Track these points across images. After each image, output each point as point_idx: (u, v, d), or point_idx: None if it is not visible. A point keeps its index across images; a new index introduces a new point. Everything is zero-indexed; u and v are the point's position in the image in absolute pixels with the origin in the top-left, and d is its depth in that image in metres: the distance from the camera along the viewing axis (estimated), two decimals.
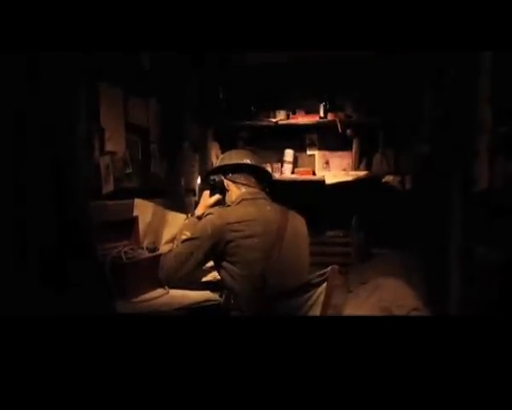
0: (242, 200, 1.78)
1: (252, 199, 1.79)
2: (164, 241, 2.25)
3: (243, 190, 1.84)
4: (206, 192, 1.95)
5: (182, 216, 2.38)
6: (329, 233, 3.25)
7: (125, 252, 1.69)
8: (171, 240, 2.22)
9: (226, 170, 1.88)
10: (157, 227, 2.21)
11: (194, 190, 2.86)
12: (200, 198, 2.64)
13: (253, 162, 1.89)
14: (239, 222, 1.66)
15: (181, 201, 2.61)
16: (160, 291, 1.70)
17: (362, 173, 3.09)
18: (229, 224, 1.65)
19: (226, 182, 1.88)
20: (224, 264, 1.68)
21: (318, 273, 1.67)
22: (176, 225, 2.32)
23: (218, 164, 1.94)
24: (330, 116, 3.14)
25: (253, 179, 1.86)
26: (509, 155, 1.81)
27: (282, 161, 3.32)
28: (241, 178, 1.86)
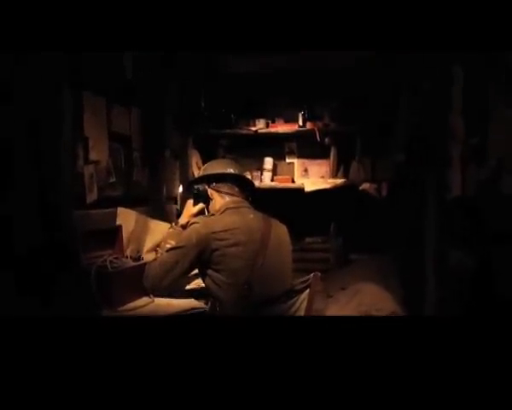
0: (226, 209, 1.81)
1: (235, 208, 1.82)
2: (146, 249, 2.25)
3: (227, 199, 1.87)
4: (190, 201, 1.96)
5: (164, 224, 2.39)
6: (308, 240, 3.30)
7: (110, 261, 1.69)
8: (153, 248, 2.23)
9: (210, 179, 1.91)
10: (140, 235, 2.21)
11: (175, 198, 2.87)
12: (182, 206, 2.67)
13: (237, 172, 1.92)
14: (224, 231, 1.68)
15: (162, 208, 2.62)
16: (145, 300, 1.71)
17: (340, 181, 3.17)
18: (214, 233, 1.68)
19: (210, 191, 1.90)
20: (209, 272, 1.70)
21: (301, 280, 1.72)
22: (158, 233, 2.33)
23: (201, 173, 1.96)
24: (309, 125, 3.21)
25: (237, 188, 1.89)
26: (481, 164, 1.91)
27: (261, 169, 3.36)
28: (224, 187, 1.88)
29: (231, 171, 1.91)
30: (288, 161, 3.45)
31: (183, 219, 1.94)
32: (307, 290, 1.72)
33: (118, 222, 2.07)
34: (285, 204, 3.02)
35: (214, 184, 1.90)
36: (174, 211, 2.76)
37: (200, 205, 1.93)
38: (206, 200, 1.92)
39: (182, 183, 2.92)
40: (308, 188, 3.14)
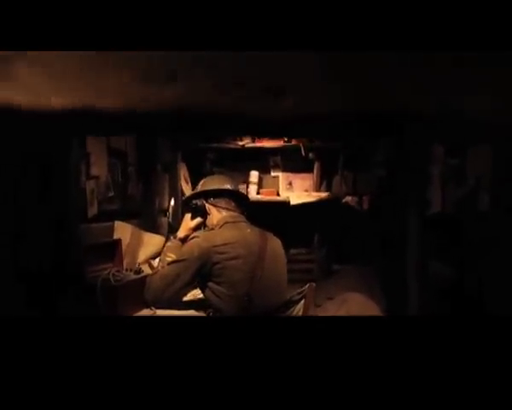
0: (225, 223, 1.89)
1: (233, 222, 1.90)
2: (139, 261, 2.30)
3: (224, 213, 1.95)
4: (188, 215, 2.03)
5: (157, 237, 2.45)
6: (293, 251, 3.40)
7: (113, 274, 1.74)
8: (147, 260, 2.29)
9: (207, 194, 1.99)
10: (135, 248, 2.26)
11: (165, 211, 2.92)
12: (174, 219, 2.73)
13: (233, 188, 2.01)
14: (224, 245, 1.76)
15: (155, 221, 2.67)
16: (146, 312, 1.77)
17: (324, 194, 3.30)
18: (215, 246, 1.75)
19: (207, 206, 1.98)
20: (210, 284, 1.77)
21: (298, 291, 1.82)
22: (151, 245, 2.39)
23: (199, 189, 2.03)
24: (294, 140, 3.33)
25: (233, 203, 1.97)
26: (459, 184, 2.07)
27: (247, 182, 3.46)
28: (222, 202, 1.96)
29: (228, 187, 1.99)
30: (272, 174, 3.56)
31: (181, 233, 2.01)
32: (302, 301, 1.82)
33: (115, 236, 2.12)
34: (270, 216, 3.12)
35: (212, 199, 1.98)
36: (165, 224, 2.81)
37: (198, 219, 2.00)
38: (204, 214, 1.99)
39: (171, 196, 2.98)
40: (294, 201, 3.25)
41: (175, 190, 3.03)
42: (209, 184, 2.02)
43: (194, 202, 2.01)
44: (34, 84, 1.13)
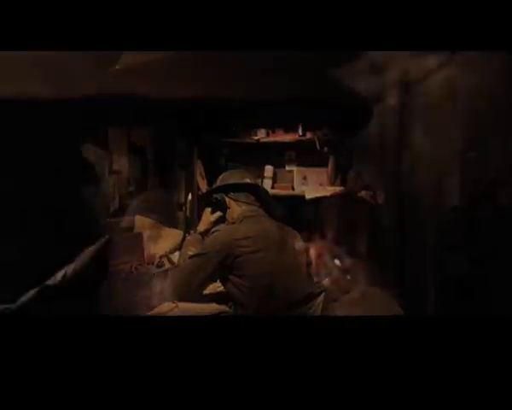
0: (245, 217, 1.90)
1: (253, 216, 1.92)
2: (158, 256, 2.33)
3: (243, 207, 1.97)
4: (208, 209, 2.05)
5: (175, 231, 2.48)
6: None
7: (136, 268, 1.77)
8: (165, 255, 2.31)
9: (227, 189, 2.01)
10: (154, 242, 2.29)
11: (180, 206, 2.94)
12: (191, 213, 2.75)
13: (252, 182, 2.03)
14: (245, 238, 1.78)
15: (173, 216, 2.69)
16: (169, 304, 1.78)
17: (338, 188, 3.29)
18: (236, 240, 1.77)
19: (227, 200, 2.00)
20: (231, 277, 1.79)
21: (318, 285, 1.83)
22: (170, 240, 2.41)
23: (219, 184, 2.05)
24: (308, 134, 3.33)
25: (253, 197, 2.00)
26: (478, 177, 2.06)
27: (262, 177, 3.46)
28: (242, 196, 1.98)
29: (248, 181, 2.01)
30: (287, 168, 3.56)
31: (201, 227, 2.03)
32: (323, 294, 1.83)
33: (135, 230, 2.15)
34: (285, 210, 3.12)
35: (232, 193, 2.00)
36: (183, 218, 2.83)
37: (218, 213, 2.02)
38: (224, 208, 2.01)
39: (188, 191, 3.00)
40: (309, 195, 3.25)
41: (191, 186, 3.05)
42: (229, 178, 2.03)
43: (214, 196, 2.03)
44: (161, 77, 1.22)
